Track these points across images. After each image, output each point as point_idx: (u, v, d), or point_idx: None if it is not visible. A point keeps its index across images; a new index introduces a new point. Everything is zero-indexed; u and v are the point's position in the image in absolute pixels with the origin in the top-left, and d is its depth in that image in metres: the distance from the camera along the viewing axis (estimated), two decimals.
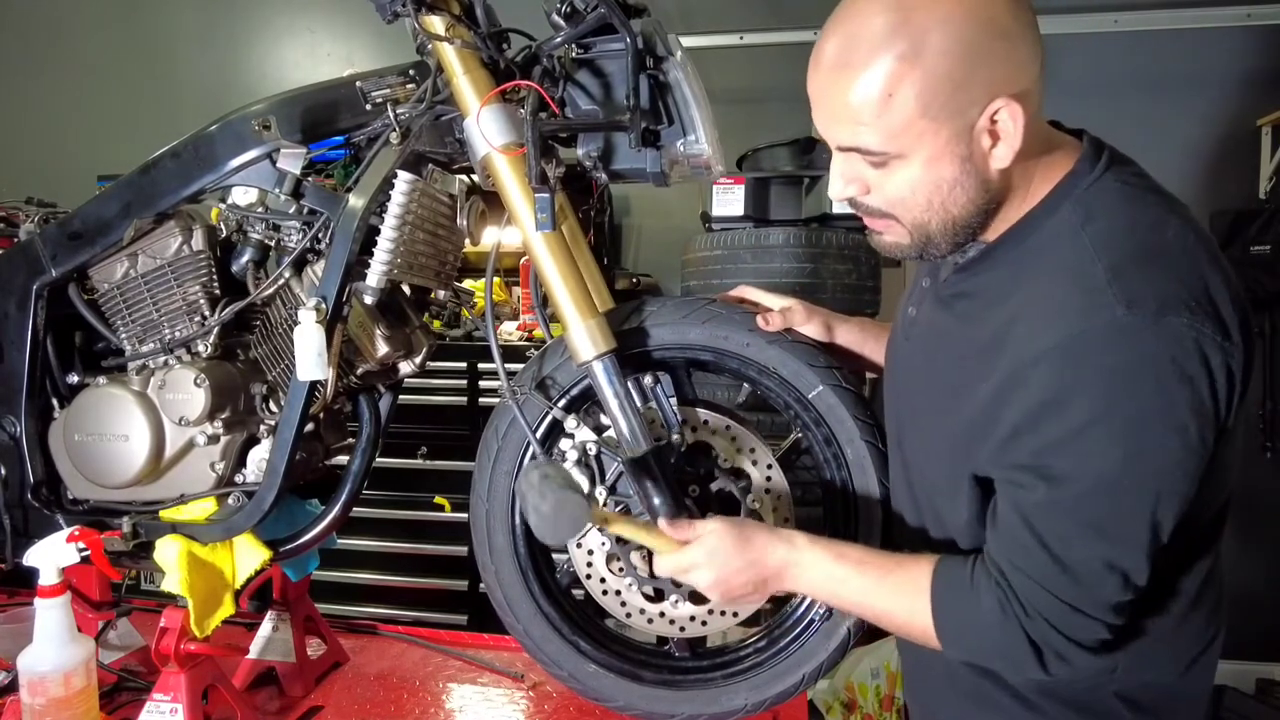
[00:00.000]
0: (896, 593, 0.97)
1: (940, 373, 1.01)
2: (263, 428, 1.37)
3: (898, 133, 0.87)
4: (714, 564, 1.02)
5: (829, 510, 1.27)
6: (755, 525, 1.06)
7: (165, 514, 1.36)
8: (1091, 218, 0.90)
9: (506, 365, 1.28)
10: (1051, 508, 0.87)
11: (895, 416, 1.14)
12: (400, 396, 1.51)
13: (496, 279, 3.39)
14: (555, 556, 1.35)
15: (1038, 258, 0.92)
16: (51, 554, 1.28)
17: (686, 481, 1.25)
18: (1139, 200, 0.92)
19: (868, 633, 1.25)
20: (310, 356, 1.18)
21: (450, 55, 1.19)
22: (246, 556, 1.35)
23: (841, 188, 0.97)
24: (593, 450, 1.25)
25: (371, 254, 1.25)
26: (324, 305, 1.21)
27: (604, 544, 1.26)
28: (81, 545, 1.30)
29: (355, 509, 1.44)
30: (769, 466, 1.24)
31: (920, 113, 0.85)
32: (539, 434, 1.25)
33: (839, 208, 2.65)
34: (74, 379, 1.43)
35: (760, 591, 1.05)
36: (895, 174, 0.91)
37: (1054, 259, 0.90)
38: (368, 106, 1.30)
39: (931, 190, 0.91)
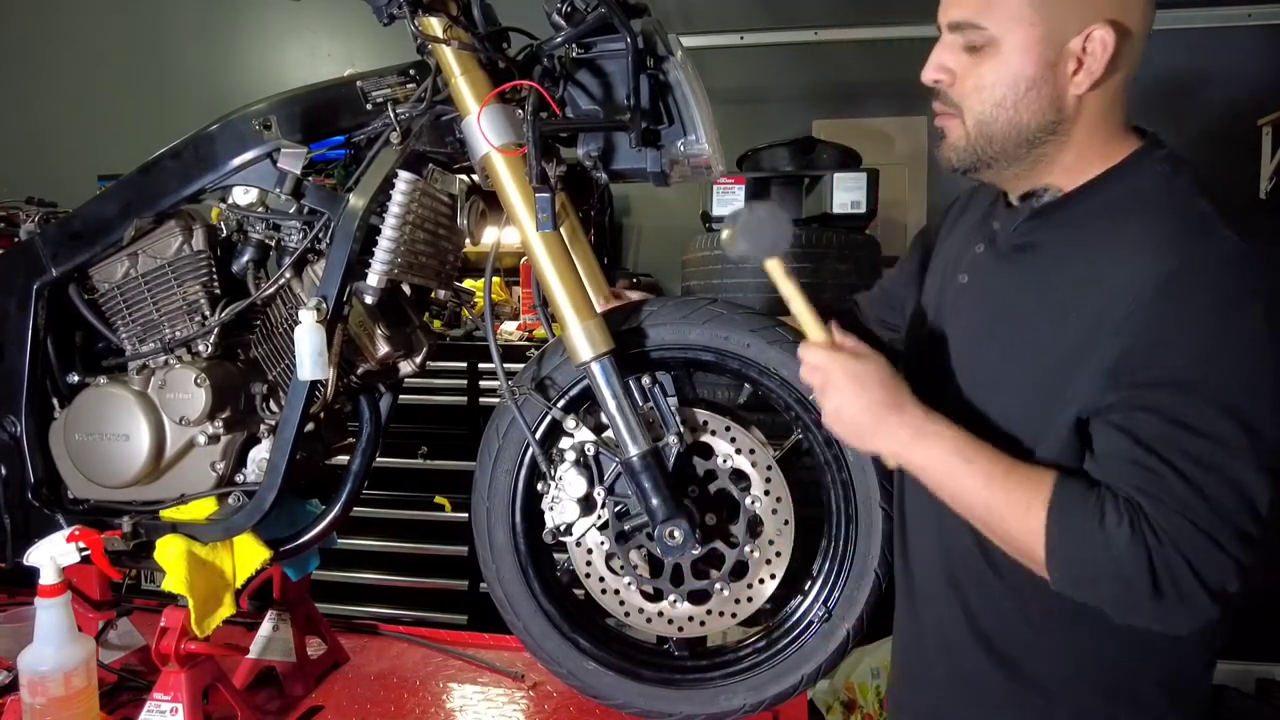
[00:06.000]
0: (1017, 489, 0.91)
1: (1013, 326, 1.00)
2: (263, 427, 1.38)
3: (1001, 11, 0.94)
4: (850, 383, 1.00)
5: (829, 512, 1.27)
6: (900, 379, 1.02)
7: (165, 513, 1.36)
8: (1179, 170, 0.95)
9: (506, 365, 1.28)
10: (1180, 428, 0.85)
11: (935, 390, 1.07)
12: (400, 396, 1.51)
13: (496, 279, 3.40)
14: (555, 555, 1.35)
15: (1126, 204, 0.95)
16: (52, 554, 1.28)
17: (686, 482, 1.25)
18: (1201, 168, 0.97)
19: (867, 633, 1.25)
20: (310, 356, 1.19)
21: (448, 57, 1.19)
22: (247, 556, 1.35)
23: (932, 72, 1.02)
24: (591, 451, 1.25)
25: (372, 254, 1.25)
26: (324, 305, 1.21)
27: (603, 543, 1.26)
28: (82, 545, 1.30)
29: (355, 509, 1.44)
30: (769, 468, 1.24)
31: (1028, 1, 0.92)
32: (538, 434, 1.25)
33: (839, 208, 2.65)
34: (74, 379, 1.43)
35: (865, 435, 1.01)
36: (983, 63, 0.96)
37: (1149, 202, 0.93)
38: (368, 106, 1.30)
39: (1009, 86, 0.95)
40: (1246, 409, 0.85)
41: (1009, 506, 0.92)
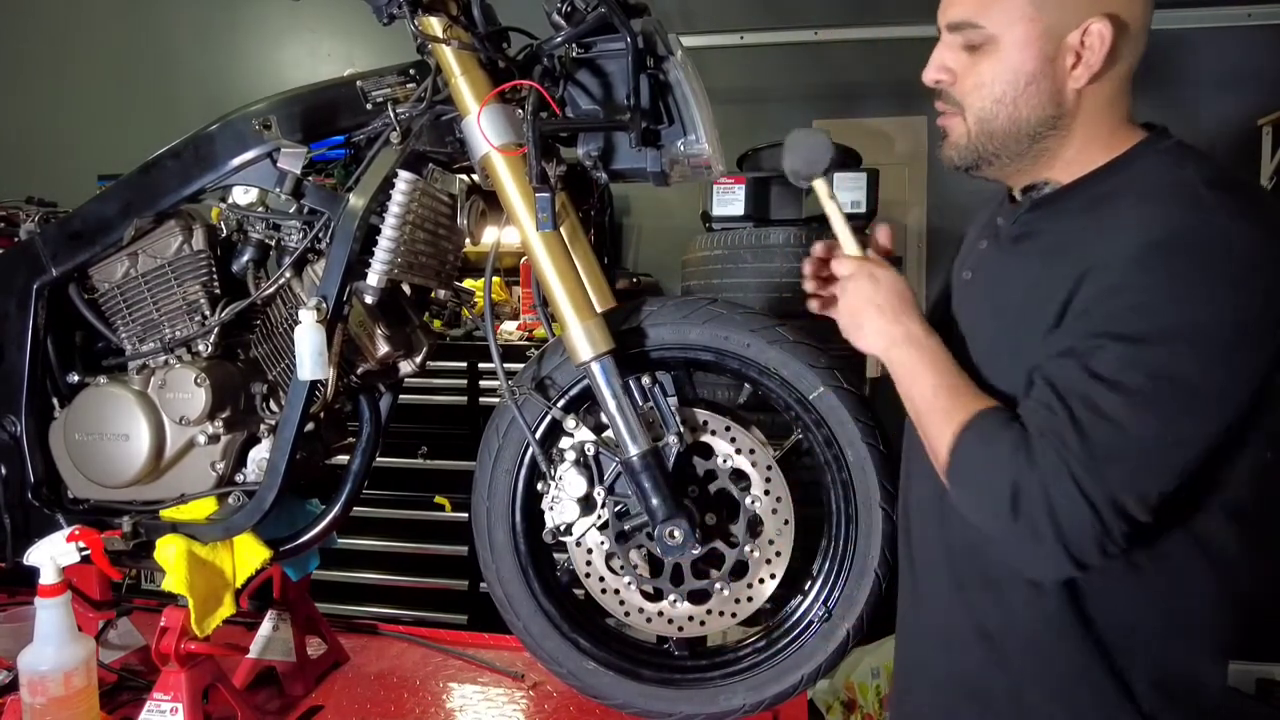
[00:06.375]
0: (955, 403, 0.97)
1: (1007, 311, 1.01)
2: (263, 427, 1.38)
3: (999, 10, 0.95)
4: (866, 282, 1.05)
5: (829, 512, 1.27)
6: (914, 299, 1.07)
7: (166, 513, 1.36)
8: (1183, 162, 0.94)
9: (506, 365, 1.28)
10: (1093, 378, 0.86)
11: None
12: (400, 396, 1.51)
13: (496, 279, 3.40)
14: (555, 555, 1.35)
15: (1124, 191, 0.94)
16: (52, 553, 1.28)
17: (686, 482, 1.25)
18: (1213, 157, 0.96)
19: (867, 633, 1.25)
20: (311, 356, 1.19)
21: (448, 56, 1.19)
22: (247, 556, 1.35)
23: (933, 73, 1.03)
24: (591, 450, 1.25)
25: (372, 253, 1.25)
26: (324, 305, 1.21)
27: (603, 543, 1.26)
28: (82, 545, 1.30)
29: (355, 509, 1.44)
30: (769, 468, 1.24)
31: None
32: (538, 434, 1.25)
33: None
34: (74, 378, 1.43)
35: (861, 330, 1.06)
36: (982, 61, 0.98)
37: (1150, 190, 0.92)
38: (368, 106, 1.30)
39: (1009, 82, 0.97)
40: (1186, 383, 0.83)
41: (940, 414, 0.97)
